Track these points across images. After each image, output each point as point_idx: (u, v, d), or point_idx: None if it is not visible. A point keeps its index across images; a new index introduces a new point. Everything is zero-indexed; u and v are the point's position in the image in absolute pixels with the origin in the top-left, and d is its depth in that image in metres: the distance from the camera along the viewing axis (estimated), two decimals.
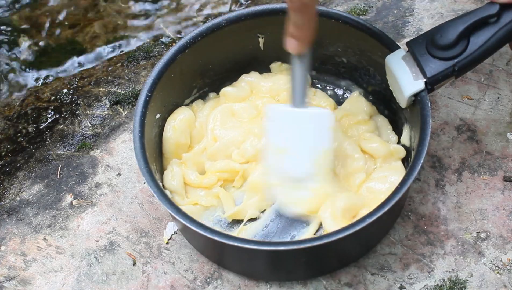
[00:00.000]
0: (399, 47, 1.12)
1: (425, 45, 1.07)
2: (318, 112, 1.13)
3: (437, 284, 1.14)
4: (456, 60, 1.06)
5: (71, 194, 1.29)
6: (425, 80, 1.07)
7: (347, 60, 1.26)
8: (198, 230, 1.03)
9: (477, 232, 1.19)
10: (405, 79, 1.08)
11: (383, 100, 1.25)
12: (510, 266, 1.15)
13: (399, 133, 1.23)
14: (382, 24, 1.46)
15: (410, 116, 1.15)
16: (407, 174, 1.05)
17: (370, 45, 1.17)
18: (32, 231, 1.25)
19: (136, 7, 1.60)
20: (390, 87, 1.15)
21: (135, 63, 1.47)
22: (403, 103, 1.12)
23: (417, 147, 1.06)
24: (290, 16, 0.99)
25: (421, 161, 1.04)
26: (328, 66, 1.29)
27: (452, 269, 1.15)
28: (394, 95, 1.15)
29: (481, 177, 1.24)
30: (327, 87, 1.32)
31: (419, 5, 1.48)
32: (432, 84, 1.07)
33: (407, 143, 1.19)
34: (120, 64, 1.48)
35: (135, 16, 1.58)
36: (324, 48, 1.25)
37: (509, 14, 1.05)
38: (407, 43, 1.09)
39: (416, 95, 1.08)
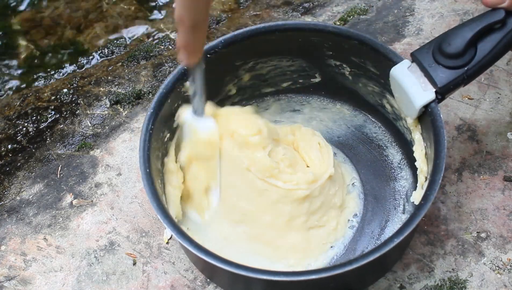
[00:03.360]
0: (403, 59, 1.10)
1: (431, 55, 1.06)
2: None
3: (437, 284, 1.14)
4: (466, 68, 1.05)
5: (71, 193, 1.29)
6: (435, 90, 1.06)
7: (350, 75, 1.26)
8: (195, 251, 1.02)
9: (477, 232, 1.19)
10: (414, 90, 1.07)
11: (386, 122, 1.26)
12: (510, 266, 1.15)
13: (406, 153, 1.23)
14: (382, 24, 1.46)
15: (422, 129, 1.13)
16: (429, 188, 1.02)
17: (373, 59, 1.16)
18: (32, 231, 1.25)
19: (137, 7, 1.60)
20: (395, 100, 1.14)
21: (135, 63, 1.47)
22: (412, 115, 1.11)
23: (434, 161, 1.04)
24: (182, 33, 0.99)
25: (441, 175, 1.02)
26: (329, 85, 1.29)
27: (452, 269, 1.15)
28: (401, 108, 1.15)
29: (481, 177, 1.24)
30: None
31: (419, 4, 1.47)
32: (443, 93, 1.06)
33: (423, 165, 1.15)
34: (120, 64, 1.48)
35: (135, 17, 1.59)
36: (326, 64, 1.25)
37: None
38: (412, 54, 1.08)
39: (426, 106, 1.07)
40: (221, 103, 1.27)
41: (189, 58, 1.04)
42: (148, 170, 1.07)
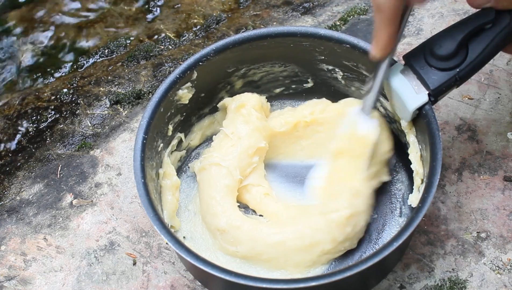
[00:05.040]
0: (396, 62, 1.10)
1: (423, 57, 1.06)
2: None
3: (437, 284, 1.14)
4: (458, 70, 1.05)
5: (71, 193, 1.29)
6: (428, 92, 1.06)
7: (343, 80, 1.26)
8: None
9: (477, 232, 1.19)
10: (407, 93, 1.07)
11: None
12: (510, 266, 1.15)
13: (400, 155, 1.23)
14: None
15: (416, 131, 1.13)
16: (426, 191, 1.02)
17: (365, 62, 1.16)
18: (32, 230, 1.25)
19: (137, 8, 1.60)
20: (389, 103, 1.14)
21: (135, 63, 1.47)
22: (406, 118, 1.11)
23: (430, 163, 1.03)
24: (376, 21, 1.00)
25: (437, 181, 1.02)
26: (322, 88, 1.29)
27: (452, 269, 1.15)
28: (395, 111, 1.14)
29: (482, 177, 1.24)
30: None
31: None
32: (436, 95, 1.06)
33: (418, 167, 1.14)
34: (120, 63, 1.48)
35: (135, 17, 1.58)
36: (319, 69, 1.25)
37: (504, 20, 1.05)
38: (404, 57, 1.08)
39: (419, 108, 1.07)
40: (214, 110, 1.27)
41: (377, 49, 1.03)
42: (143, 180, 1.07)
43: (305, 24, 1.48)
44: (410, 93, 1.07)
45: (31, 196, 1.30)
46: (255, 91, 1.27)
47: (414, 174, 1.14)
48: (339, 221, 1.09)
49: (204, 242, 1.16)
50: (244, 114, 1.19)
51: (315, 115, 1.22)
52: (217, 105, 1.26)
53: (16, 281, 1.20)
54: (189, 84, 1.19)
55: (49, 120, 1.40)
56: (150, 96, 1.40)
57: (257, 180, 1.19)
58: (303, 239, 1.09)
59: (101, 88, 1.43)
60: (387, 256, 0.98)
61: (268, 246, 1.10)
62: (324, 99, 1.25)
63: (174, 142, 1.22)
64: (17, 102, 1.44)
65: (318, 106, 1.23)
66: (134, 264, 1.20)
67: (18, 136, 1.38)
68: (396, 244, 0.98)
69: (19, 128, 1.40)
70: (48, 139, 1.37)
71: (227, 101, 1.24)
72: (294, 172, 1.24)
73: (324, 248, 1.10)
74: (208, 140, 1.28)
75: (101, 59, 1.51)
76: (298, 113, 1.23)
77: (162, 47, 1.50)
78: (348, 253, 1.15)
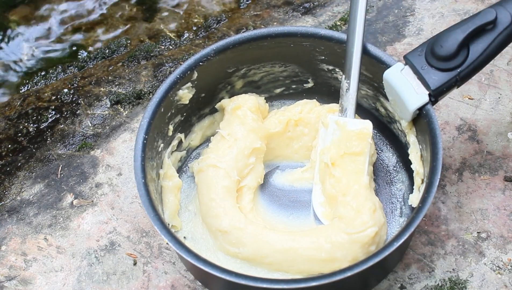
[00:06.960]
0: (396, 62, 1.10)
1: (424, 57, 1.06)
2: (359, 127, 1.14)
3: (438, 284, 1.14)
4: (459, 70, 1.05)
5: (71, 194, 1.29)
6: (428, 92, 1.06)
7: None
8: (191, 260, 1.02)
9: (477, 232, 1.19)
10: (408, 93, 1.07)
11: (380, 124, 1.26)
12: (511, 266, 1.15)
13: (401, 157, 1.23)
14: (383, 24, 1.46)
15: (417, 131, 1.13)
16: (427, 191, 1.02)
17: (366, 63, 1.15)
18: (32, 231, 1.25)
19: (137, 8, 1.60)
20: (390, 103, 1.14)
21: (136, 63, 1.47)
22: (406, 118, 1.11)
23: (431, 163, 1.03)
24: None
25: (437, 181, 1.02)
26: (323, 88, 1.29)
27: (453, 269, 1.15)
28: (395, 111, 1.14)
29: (482, 177, 1.24)
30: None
31: (420, 4, 1.48)
32: (436, 96, 1.06)
33: (419, 167, 1.14)
34: (120, 64, 1.48)
35: (136, 17, 1.59)
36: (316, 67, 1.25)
37: (505, 20, 1.05)
38: (405, 57, 1.08)
39: (420, 108, 1.07)
40: (214, 110, 1.27)
41: None
42: (144, 180, 1.07)
43: (305, 24, 1.49)
44: (410, 93, 1.07)
45: (31, 196, 1.30)
46: (255, 91, 1.27)
47: (414, 174, 1.14)
48: (364, 241, 1.07)
49: (205, 242, 1.16)
50: (240, 115, 1.20)
51: (303, 114, 1.22)
52: (215, 106, 1.26)
53: (16, 281, 1.20)
54: (189, 84, 1.19)
55: (50, 120, 1.40)
56: (150, 96, 1.41)
57: (252, 189, 1.20)
58: (320, 252, 1.08)
59: (102, 88, 1.43)
60: (388, 256, 0.98)
61: (275, 251, 1.09)
62: (314, 100, 1.25)
63: (175, 142, 1.22)
64: (18, 103, 1.44)
65: (307, 106, 1.23)
66: (135, 264, 1.20)
67: (19, 136, 1.38)
68: (396, 244, 0.98)
69: (20, 128, 1.40)
70: (48, 139, 1.37)
71: (224, 102, 1.24)
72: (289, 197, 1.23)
73: (340, 266, 1.06)
74: (208, 140, 1.28)
75: (101, 59, 1.51)
76: (289, 112, 1.23)
77: (163, 47, 1.50)
78: None
